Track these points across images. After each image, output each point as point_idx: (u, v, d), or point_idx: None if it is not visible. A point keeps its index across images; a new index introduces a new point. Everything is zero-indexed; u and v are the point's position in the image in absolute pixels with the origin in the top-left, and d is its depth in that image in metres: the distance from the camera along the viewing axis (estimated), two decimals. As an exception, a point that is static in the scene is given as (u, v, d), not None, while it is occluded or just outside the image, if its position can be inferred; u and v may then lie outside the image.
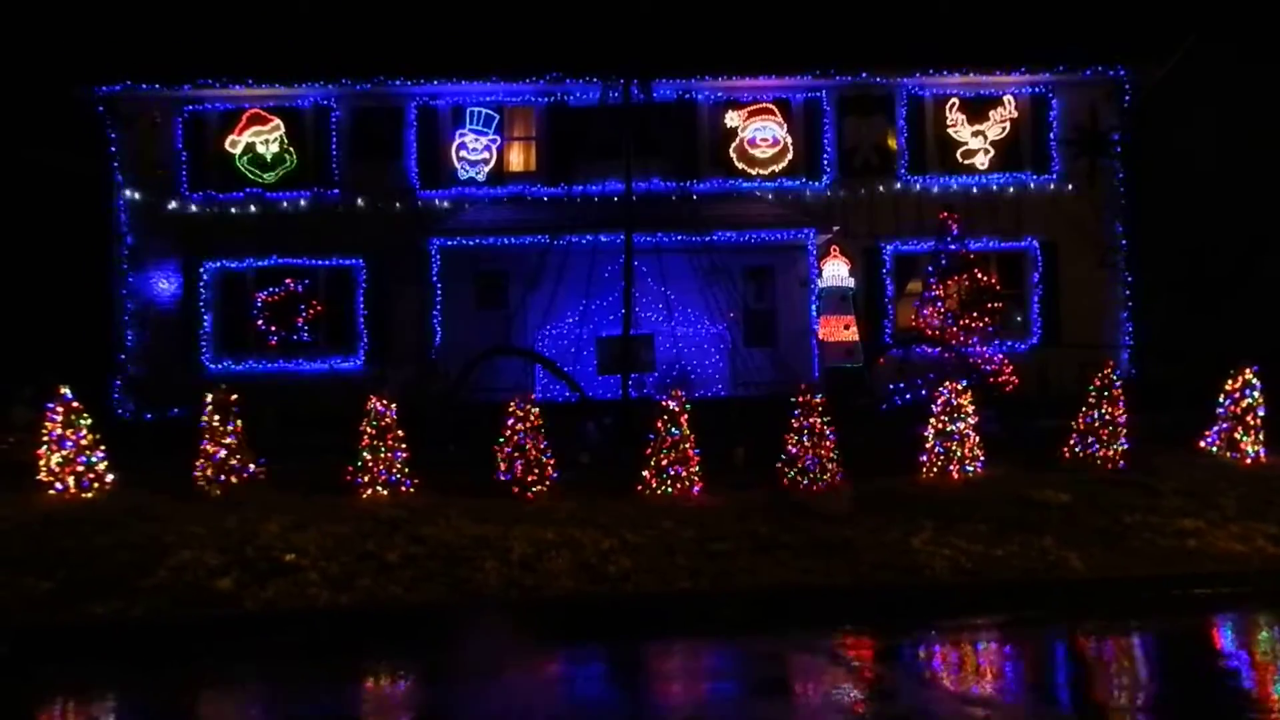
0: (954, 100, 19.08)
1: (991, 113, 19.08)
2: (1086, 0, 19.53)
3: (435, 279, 17.96)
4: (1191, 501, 10.67)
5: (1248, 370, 12.65)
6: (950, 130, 19.12)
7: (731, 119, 18.95)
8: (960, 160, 19.11)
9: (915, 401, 15.69)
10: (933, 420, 12.02)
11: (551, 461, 11.54)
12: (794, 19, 19.28)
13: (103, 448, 11.65)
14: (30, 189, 20.77)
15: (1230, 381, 12.74)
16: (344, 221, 18.82)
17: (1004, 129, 19.10)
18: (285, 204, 18.83)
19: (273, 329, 18.70)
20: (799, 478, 11.48)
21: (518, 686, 7.30)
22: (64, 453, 11.36)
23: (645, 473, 11.40)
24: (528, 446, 11.38)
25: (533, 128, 19.30)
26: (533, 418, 11.51)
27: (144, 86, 18.50)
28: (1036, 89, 19.14)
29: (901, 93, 19.09)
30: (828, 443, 11.60)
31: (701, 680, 7.58)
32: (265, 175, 18.81)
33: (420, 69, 18.61)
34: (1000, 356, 17.51)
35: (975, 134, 19.09)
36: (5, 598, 8.59)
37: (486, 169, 18.91)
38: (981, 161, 19.09)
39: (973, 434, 11.97)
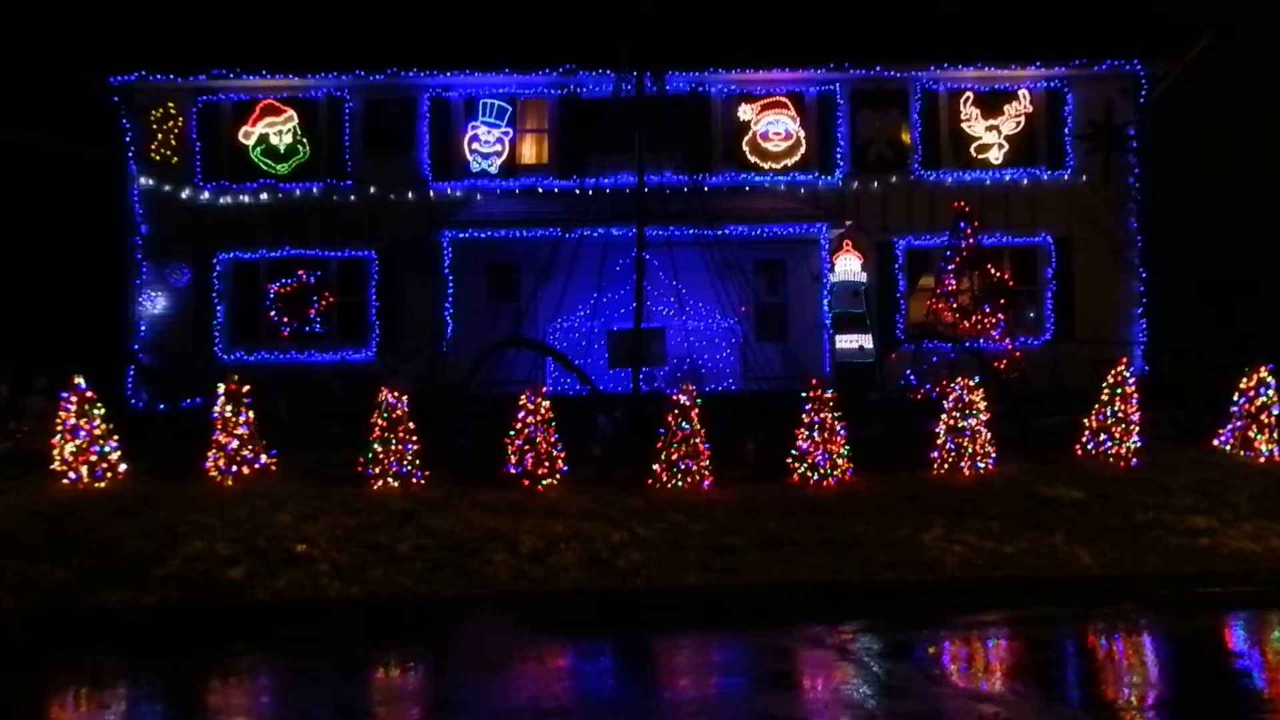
0: (968, 94, 19.01)
1: (1006, 107, 19.00)
2: (1102, -6, 19.45)
3: (447, 271, 18.02)
4: (1204, 500, 10.61)
5: (1263, 369, 12.56)
6: (964, 124, 19.05)
7: (744, 112, 18.93)
8: (974, 155, 19.05)
9: (927, 397, 15.67)
10: (944, 416, 11.98)
11: (562, 454, 11.54)
12: (808, 12, 19.24)
13: (116, 437, 11.69)
14: (44, 178, 20.89)
15: (1245, 380, 12.66)
16: (356, 213, 18.89)
17: (1018, 123, 19.02)
18: (298, 195, 18.91)
19: (285, 320, 18.80)
20: (809, 473, 11.47)
21: (526, 678, 7.32)
22: (77, 442, 11.42)
23: (655, 466, 11.40)
24: (538, 439, 11.38)
25: (545, 120, 19.31)
26: (543, 410, 11.51)
27: (158, 77, 18.59)
28: (1051, 83, 19.04)
29: (916, 86, 19.03)
30: (838, 438, 11.58)
31: (710, 675, 7.58)
32: (278, 166, 18.88)
33: (433, 61, 18.65)
34: (1013, 353, 17.46)
35: (989, 128, 19.02)
36: (20, 585, 8.65)
37: (499, 161, 18.93)
38: (995, 156, 19.01)
39: (984, 430, 11.92)
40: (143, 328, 18.90)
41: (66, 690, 7.28)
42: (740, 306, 17.20)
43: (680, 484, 11.29)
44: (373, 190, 18.92)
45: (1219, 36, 18.35)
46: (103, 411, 11.66)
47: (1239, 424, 12.65)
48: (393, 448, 11.38)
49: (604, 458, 12.70)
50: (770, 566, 9.23)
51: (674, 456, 11.36)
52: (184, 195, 18.89)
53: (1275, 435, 12.41)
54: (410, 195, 18.91)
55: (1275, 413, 12.43)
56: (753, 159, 18.91)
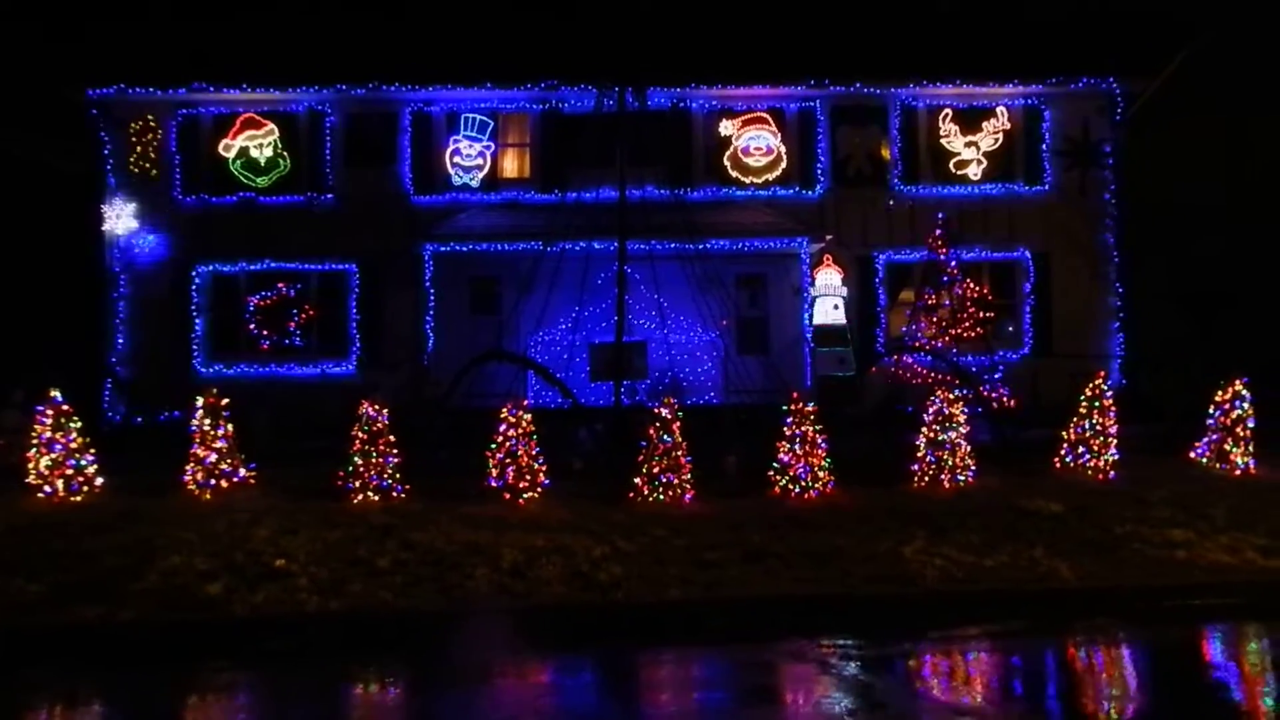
0: (947, 111, 19.17)
1: (984, 123, 19.17)
2: (1080, 13, 19.65)
3: (428, 284, 17.97)
4: (1181, 512, 10.69)
5: (1238, 382, 12.70)
6: (943, 141, 19.20)
7: (725, 127, 19.01)
8: (953, 170, 19.19)
9: (907, 410, 15.74)
10: (924, 429, 12.04)
11: (543, 468, 11.53)
12: (789, 29, 19.36)
13: (92, 451, 11.60)
14: (21, 189, 20.71)
15: (1220, 393, 12.79)
16: (337, 226, 18.82)
17: (997, 140, 19.19)
18: (278, 208, 18.82)
19: (265, 333, 18.69)
20: (791, 486, 11.49)
21: (507, 694, 7.29)
22: (53, 456, 11.32)
23: (637, 480, 11.39)
24: (519, 453, 11.37)
25: (527, 134, 19.32)
26: (525, 424, 11.50)
27: (137, 90, 18.49)
28: (1029, 100, 19.22)
29: (895, 103, 19.17)
30: (819, 451, 11.61)
31: (692, 689, 7.57)
32: (259, 179, 18.81)
33: (415, 75, 18.63)
34: (991, 366, 17.59)
35: (968, 144, 19.17)
36: (-7, 601, 8.55)
37: (481, 175, 18.93)
38: (974, 172, 19.16)
39: (964, 443, 11.98)
40: (120, 340, 18.74)
41: (41, 707, 7.18)
42: (722, 320, 17.24)
43: (662, 497, 11.29)
44: (354, 204, 18.85)
45: (1195, 51, 18.55)
46: (79, 425, 11.56)
47: (1215, 437, 12.77)
48: (373, 461, 11.34)
49: (585, 471, 12.68)
50: (752, 580, 9.23)
51: (655, 470, 11.36)
52: (163, 208, 18.78)
53: (1250, 448, 12.54)
54: (391, 209, 18.84)
55: (1251, 425, 12.56)
56: (734, 174, 18.99)
